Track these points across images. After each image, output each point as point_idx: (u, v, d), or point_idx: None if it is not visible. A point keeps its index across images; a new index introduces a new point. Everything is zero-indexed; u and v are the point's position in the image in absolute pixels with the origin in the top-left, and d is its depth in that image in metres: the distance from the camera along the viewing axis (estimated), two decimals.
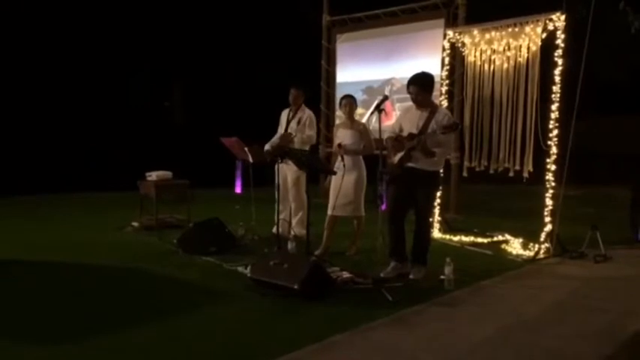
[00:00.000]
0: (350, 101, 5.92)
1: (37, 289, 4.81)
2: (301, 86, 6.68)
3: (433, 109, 5.13)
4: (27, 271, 5.38)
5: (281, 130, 6.78)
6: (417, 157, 4.99)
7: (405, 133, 5.11)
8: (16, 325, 3.95)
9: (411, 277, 5.10)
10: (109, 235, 7.06)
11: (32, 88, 10.77)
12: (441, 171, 5.45)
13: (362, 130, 5.86)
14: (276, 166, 6.46)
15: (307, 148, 6.54)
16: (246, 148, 6.43)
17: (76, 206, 9.61)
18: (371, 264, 5.28)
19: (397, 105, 9.53)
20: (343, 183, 5.65)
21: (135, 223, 7.40)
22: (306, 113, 6.61)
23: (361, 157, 5.93)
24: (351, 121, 5.94)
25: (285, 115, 6.82)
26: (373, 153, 5.79)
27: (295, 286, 4.37)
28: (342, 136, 5.88)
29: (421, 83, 5.08)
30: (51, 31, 10.85)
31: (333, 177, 5.77)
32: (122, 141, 11.52)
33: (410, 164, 5.04)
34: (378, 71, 10.17)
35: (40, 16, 10.69)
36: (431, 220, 5.88)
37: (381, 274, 5.02)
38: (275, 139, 6.80)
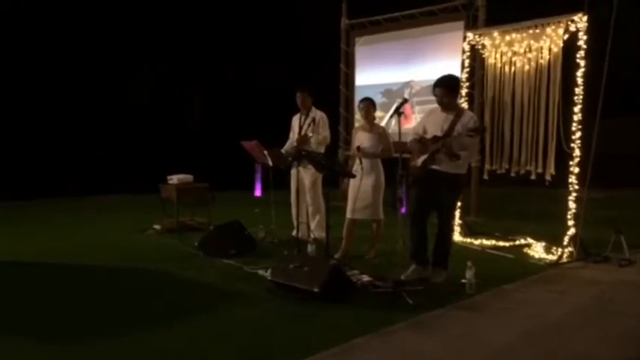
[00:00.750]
0: (368, 104, 5.91)
1: (58, 290, 4.87)
2: (306, 88, 6.67)
3: (458, 111, 5.09)
4: (48, 273, 5.46)
5: (293, 135, 6.79)
6: (441, 160, 4.95)
7: (428, 136, 5.08)
8: (36, 326, 4.00)
9: (431, 280, 5.06)
10: (131, 237, 7.15)
11: (56, 91, 10.95)
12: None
13: (381, 133, 5.84)
14: (292, 170, 6.48)
15: (323, 149, 6.54)
16: (265, 152, 6.46)
17: (98, 209, 9.73)
18: (391, 267, 5.25)
19: (417, 108, 9.51)
20: (361, 186, 5.64)
21: (156, 226, 7.47)
22: (318, 114, 6.58)
23: (379, 160, 5.91)
24: (370, 124, 5.93)
25: (296, 119, 6.81)
26: (392, 156, 5.78)
27: (315, 289, 4.38)
28: (361, 139, 5.88)
29: (447, 85, 5.04)
30: (75, 35, 11.03)
31: (352, 180, 5.77)
32: (144, 145, 11.65)
33: (434, 167, 5.01)
34: (397, 74, 10.16)
35: (72, 18, 10.87)
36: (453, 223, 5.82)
37: (402, 277, 5.00)
38: (288, 145, 6.81)
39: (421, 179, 5.04)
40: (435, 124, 5.08)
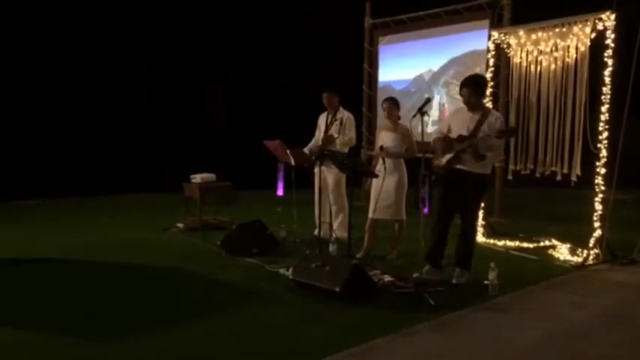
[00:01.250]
0: (391, 104, 5.89)
1: (80, 287, 4.95)
2: (333, 88, 6.65)
3: (485, 112, 5.05)
4: (71, 270, 5.55)
5: (319, 133, 6.80)
6: (467, 160, 4.92)
7: (453, 135, 5.04)
8: (58, 322, 4.06)
9: (453, 281, 5.03)
10: (155, 235, 7.23)
11: (84, 91, 11.12)
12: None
13: (404, 133, 5.82)
14: (315, 169, 6.48)
15: (347, 149, 6.54)
16: (288, 151, 6.48)
17: (122, 207, 9.87)
18: (413, 268, 5.23)
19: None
20: (384, 186, 5.63)
21: (180, 224, 7.55)
22: (346, 115, 6.58)
23: (402, 161, 5.89)
24: (394, 123, 5.91)
25: (323, 118, 6.82)
26: (415, 156, 5.75)
27: (337, 289, 4.38)
28: (385, 138, 5.87)
29: (475, 86, 5.02)
30: (97, 35, 11.20)
31: (374, 180, 5.76)
32: (168, 144, 11.77)
33: (458, 166, 4.97)
34: (421, 73, 10.10)
35: (99, 18, 11.05)
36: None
37: (414, 275, 4.98)
38: (313, 143, 6.82)
39: (445, 178, 5.01)
40: (460, 124, 5.04)
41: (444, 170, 5.02)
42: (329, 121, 6.66)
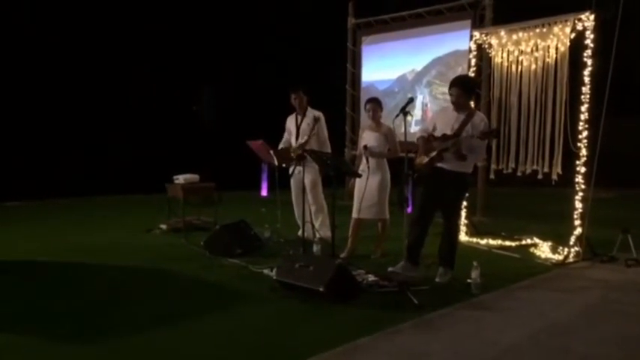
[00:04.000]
0: (374, 105, 5.91)
1: (63, 290, 4.88)
2: (300, 88, 6.62)
3: (470, 112, 5.09)
4: (53, 272, 5.49)
5: (288, 136, 6.76)
6: (448, 159, 4.96)
7: (438, 133, 5.08)
8: (42, 324, 4.02)
9: (437, 280, 5.05)
10: (137, 237, 7.17)
11: (61, 91, 10.98)
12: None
13: (387, 133, 5.85)
14: (290, 170, 6.46)
15: (328, 148, 6.52)
16: (271, 151, 6.46)
17: (104, 209, 9.78)
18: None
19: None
20: (367, 185, 5.64)
21: (162, 226, 7.50)
22: (317, 114, 6.51)
23: (385, 160, 5.92)
24: (377, 124, 5.93)
25: (291, 120, 6.76)
26: (398, 156, 5.78)
27: (320, 289, 4.38)
28: (368, 138, 5.88)
29: (464, 86, 5.07)
30: (81, 33, 11.07)
31: (358, 180, 5.77)
32: (150, 144, 11.68)
33: (440, 165, 5.01)
34: (404, 73, 10.15)
35: (76, 19, 10.92)
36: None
37: (389, 269, 5.00)
38: (282, 144, 6.76)
39: (427, 177, 5.04)
40: (445, 123, 5.08)
41: (426, 168, 5.05)
42: (299, 122, 6.63)
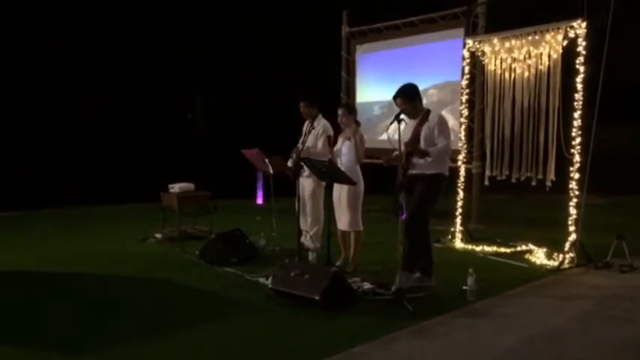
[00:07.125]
0: (342, 110, 5.86)
1: (59, 299, 4.87)
2: (307, 98, 6.62)
3: (424, 115, 5.17)
4: (49, 282, 5.47)
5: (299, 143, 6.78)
6: (416, 163, 5.08)
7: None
8: (35, 334, 4.01)
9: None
10: (132, 246, 7.14)
11: (55, 99, 10.96)
12: (447, 174, 5.24)
13: (356, 140, 5.68)
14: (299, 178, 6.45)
15: (326, 158, 6.51)
16: (266, 160, 6.45)
17: (99, 218, 9.75)
18: (392, 275, 5.24)
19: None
20: (340, 196, 5.64)
21: (158, 235, 7.47)
22: (321, 124, 6.52)
23: (358, 168, 5.75)
24: (346, 130, 5.84)
25: (305, 127, 6.81)
26: (360, 163, 5.73)
27: (316, 297, 4.38)
28: (339, 145, 5.88)
29: (404, 94, 5.19)
30: (75, 38, 11.08)
31: (334, 190, 5.72)
32: (145, 153, 11.65)
33: (412, 171, 5.11)
34: (397, 82, 10.16)
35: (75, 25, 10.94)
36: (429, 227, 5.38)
37: (393, 288, 4.89)
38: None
39: (406, 187, 5.06)
40: (408, 132, 5.19)
41: (404, 179, 5.10)
42: (307, 130, 6.65)
